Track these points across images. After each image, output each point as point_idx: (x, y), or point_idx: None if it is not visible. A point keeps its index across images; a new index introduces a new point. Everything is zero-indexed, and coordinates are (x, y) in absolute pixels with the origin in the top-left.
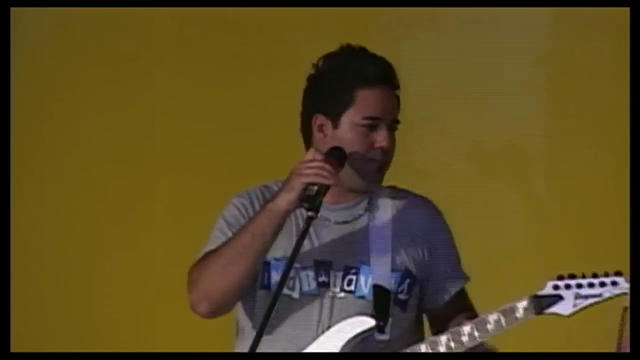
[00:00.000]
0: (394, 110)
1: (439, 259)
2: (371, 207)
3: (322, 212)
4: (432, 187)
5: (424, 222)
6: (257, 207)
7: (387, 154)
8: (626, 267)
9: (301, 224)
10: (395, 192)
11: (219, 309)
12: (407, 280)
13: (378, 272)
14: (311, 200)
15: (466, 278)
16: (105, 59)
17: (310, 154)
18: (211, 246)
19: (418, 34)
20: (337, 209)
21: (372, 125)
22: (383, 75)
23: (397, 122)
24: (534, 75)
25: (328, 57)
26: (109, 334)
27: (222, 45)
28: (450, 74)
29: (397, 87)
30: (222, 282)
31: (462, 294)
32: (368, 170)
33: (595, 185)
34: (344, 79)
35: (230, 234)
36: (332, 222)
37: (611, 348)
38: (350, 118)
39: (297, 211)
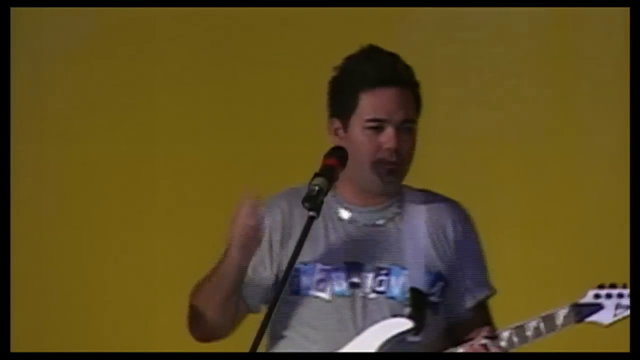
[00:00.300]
0: (403, 110)
1: (468, 265)
2: (403, 210)
3: (353, 215)
4: (432, 188)
5: (455, 226)
6: (278, 217)
7: (396, 155)
8: (626, 269)
9: (331, 226)
10: (428, 196)
11: (211, 336)
12: (439, 283)
13: (412, 274)
14: (312, 200)
15: (492, 289)
16: (106, 59)
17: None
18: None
19: (418, 34)
20: (367, 211)
21: (377, 127)
22: (387, 75)
23: (410, 121)
24: (534, 75)
25: (345, 60)
26: (109, 334)
27: (223, 46)
28: (449, 74)
29: (409, 86)
30: (205, 312)
31: (485, 305)
32: (380, 173)
33: (595, 186)
34: (350, 82)
35: None
36: (363, 224)
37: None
38: (356, 121)
39: (327, 214)
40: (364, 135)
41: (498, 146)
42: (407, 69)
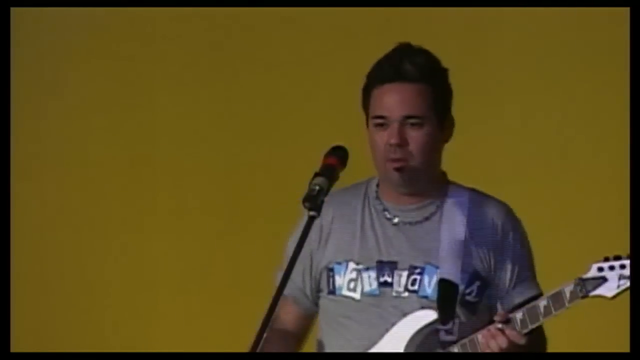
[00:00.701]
0: (404, 106)
1: (510, 267)
2: (443, 208)
3: (392, 212)
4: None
5: (497, 228)
6: (330, 218)
7: (401, 152)
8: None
9: (369, 224)
10: (473, 195)
11: None
12: (477, 283)
13: (446, 271)
14: (312, 200)
15: (537, 292)
16: (105, 59)
17: None
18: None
19: (418, 34)
20: (405, 209)
21: (382, 123)
22: (389, 72)
23: (415, 117)
24: (534, 75)
25: None
26: (109, 333)
27: (223, 46)
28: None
29: (419, 81)
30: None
31: None
32: (389, 170)
33: (594, 185)
34: (366, 81)
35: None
36: (400, 223)
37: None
38: (369, 119)
39: (367, 213)
40: (374, 133)
41: (500, 144)
42: (420, 64)
